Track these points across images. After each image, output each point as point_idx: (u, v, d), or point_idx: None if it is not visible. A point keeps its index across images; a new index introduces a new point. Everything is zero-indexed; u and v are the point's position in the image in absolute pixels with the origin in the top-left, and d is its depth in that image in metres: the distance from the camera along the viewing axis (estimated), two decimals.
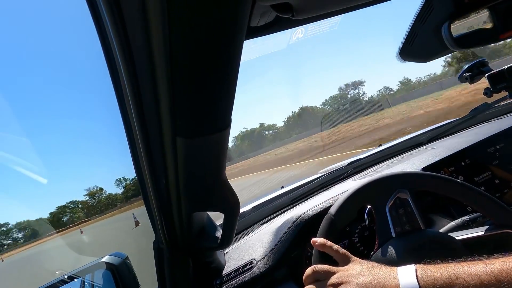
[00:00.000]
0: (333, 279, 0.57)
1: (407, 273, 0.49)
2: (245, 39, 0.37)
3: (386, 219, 0.71)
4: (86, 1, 0.37)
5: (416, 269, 0.48)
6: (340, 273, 0.57)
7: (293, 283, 0.88)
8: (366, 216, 0.85)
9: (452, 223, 0.78)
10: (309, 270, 0.62)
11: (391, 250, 0.66)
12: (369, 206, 0.81)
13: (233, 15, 0.31)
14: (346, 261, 0.61)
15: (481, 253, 0.50)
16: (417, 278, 0.47)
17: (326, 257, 0.67)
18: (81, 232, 30.87)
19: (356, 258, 0.61)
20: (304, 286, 0.61)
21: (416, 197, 0.73)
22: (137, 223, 14.79)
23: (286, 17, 0.43)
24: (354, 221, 0.99)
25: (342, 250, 0.63)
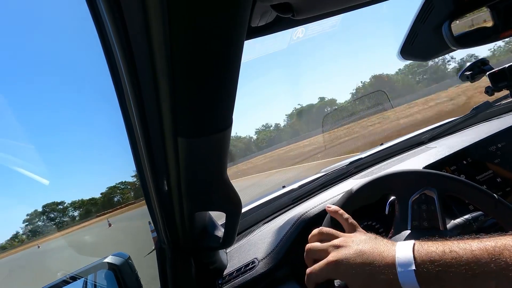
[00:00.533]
0: (335, 241, 0.59)
1: (405, 246, 0.50)
2: (246, 39, 0.38)
3: (406, 212, 0.71)
4: (86, 3, 0.37)
5: (414, 243, 0.50)
6: (343, 238, 0.60)
7: (295, 282, 0.88)
8: (387, 207, 0.85)
9: (454, 222, 0.78)
10: (315, 231, 0.66)
11: (401, 239, 0.66)
12: (392, 197, 0.81)
13: (234, 15, 0.31)
14: (352, 230, 0.63)
15: None
16: (413, 251, 0.48)
17: (335, 226, 0.68)
18: (109, 225, 28.47)
19: (362, 229, 0.63)
20: (309, 243, 0.64)
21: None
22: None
23: (287, 17, 0.43)
24: (365, 215, 0.99)
25: (351, 220, 0.65)
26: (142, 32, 0.32)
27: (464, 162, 1.07)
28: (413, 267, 0.46)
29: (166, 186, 0.59)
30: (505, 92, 1.34)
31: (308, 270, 0.60)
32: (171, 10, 0.28)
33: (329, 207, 0.70)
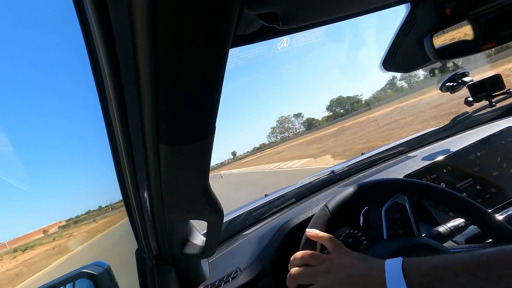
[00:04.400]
0: (322, 267, 0.57)
1: (393, 264, 0.50)
2: (231, 47, 0.37)
3: (380, 221, 0.71)
4: (74, 5, 0.36)
5: (403, 261, 0.49)
6: (330, 262, 0.58)
7: None
8: (361, 218, 0.85)
9: (436, 229, 0.79)
10: (298, 254, 0.63)
11: (379, 251, 0.67)
12: (365, 208, 0.82)
13: (220, 23, 0.31)
14: (338, 251, 0.61)
15: None
16: (402, 269, 0.48)
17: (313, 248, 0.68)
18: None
19: (348, 249, 0.62)
20: (292, 267, 0.62)
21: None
22: None
23: (272, 27, 0.43)
24: (340, 226, 1.00)
25: (334, 240, 0.63)
26: (127, 38, 0.31)
27: (444, 170, 1.09)
28: (404, 286, 0.46)
29: (147, 194, 0.58)
30: (484, 102, 1.39)
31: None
32: (156, 16, 0.28)
33: (308, 232, 0.68)
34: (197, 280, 0.94)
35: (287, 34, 0.52)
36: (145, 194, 0.58)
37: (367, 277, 0.51)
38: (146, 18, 0.28)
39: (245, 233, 1.19)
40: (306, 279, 0.58)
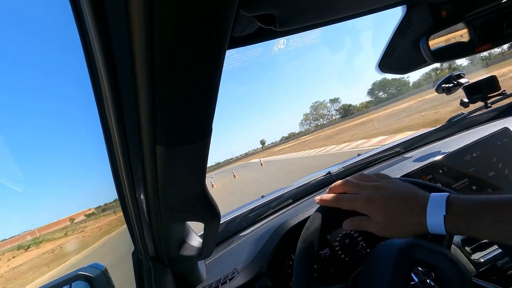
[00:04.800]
0: (376, 183, 0.60)
1: (439, 195, 0.52)
2: (228, 49, 0.37)
3: None
4: (70, 5, 0.36)
5: (448, 194, 0.51)
6: (379, 182, 0.61)
7: None
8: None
9: None
10: (341, 181, 0.65)
11: (381, 250, 0.66)
12: None
13: (217, 25, 0.31)
14: (386, 177, 0.64)
15: None
16: (446, 200, 0.50)
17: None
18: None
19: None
20: (329, 196, 0.64)
21: None
22: None
23: (269, 28, 0.43)
24: (335, 229, 1.01)
25: (384, 173, 0.68)
26: (124, 38, 0.31)
27: (440, 171, 1.10)
28: (444, 213, 0.48)
29: (143, 195, 0.58)
30: (480, 104, 1.40)
31: (338, 196, 0.62)
32: (153, 16, 0.28)
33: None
34: (194, 282, 0.94)
35: (284, 36, 0.52)
36: (142, 196, 0.58)
37: (411, 196, 0.54)
38: (143, 18, 0.28)
39: (242, 234, 1.19)
40: (356, 189, 0.61)
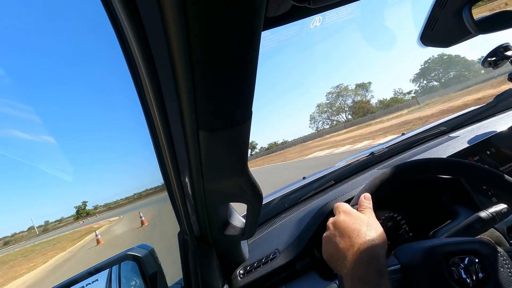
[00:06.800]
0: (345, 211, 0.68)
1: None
2: (263, 30, 0.38)
3: None
4: (102, 3, 0.38)
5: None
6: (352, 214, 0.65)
7: (315, 273, 0.89)
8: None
9: (478, 215, 0.76)
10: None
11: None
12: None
13: (250, 6, 0.31)
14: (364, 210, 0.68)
15: None
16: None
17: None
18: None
19: (374, 216, 0.67)
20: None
21: (442, 188, 0.71)
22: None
23: (303, 6, 0.43)
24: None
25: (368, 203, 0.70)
26: (159, 27, 0.32)
27: (488, 152, 1.04)
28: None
29: (188, 179, 0.60)
30: None
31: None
32: (187, 2, 0.28)
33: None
34: (236, 261, 0.97)
35: (319, 13, 0.51)
36: (186, 179, 0.61)
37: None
38: (177, 4, 0.28)
39: (283, 215, 1.20)
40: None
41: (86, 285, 1.02)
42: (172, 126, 0.48)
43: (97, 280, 1.04)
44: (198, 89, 0.38)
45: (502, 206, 0.74)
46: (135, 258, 0.99)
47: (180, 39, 0.32)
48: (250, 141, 0.55)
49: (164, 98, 0.43)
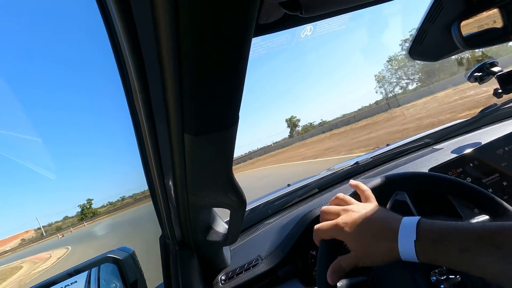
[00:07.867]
0: (347, 206, 0.61)
1: (410, 219, 0.51)
2: (254, 37, 0.37)
3: None
4: (96, 1, 0.37)
5: (420, 219, 0.51)
6: (355, 205, 0.62)
7: (297, 280, 0.89)
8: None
9: None
10: (325, 208, 0.67)
11: None
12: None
13: (242, 12, 0.31)
14: (366, 199, 0.65)
15: None
16: (417, 225, 0.49)
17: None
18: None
19: (376, 202, 0.64)
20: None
21: (423, 199, 0.72)
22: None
23: (295, 15, 0.43)
24: None
25: (368, 192, 0.67)
26: (150, 28, 0.32)
27: (471, 164, 1.06)
28: (414, 238, 0.48)
29: (172, 182, 0.60)
30: None
31: (316, 226, 0.63)
32: (178, 6, 0.28)
33: (352, 182, 0.71)
34: (218, 266, 0.96)
35: (310, 22, 0.51)
36: (170, 182, 0.60)
37: (383, 222, 0.54)
38: (168, 8, 0.28)
39: (267, 222, 1.20)
40: (331, 215, 0.62)
41: (65, 286, 1.00)
42: (158, 128, 0.47)
43: (75, 281, 1.02)
44: (185, 91, 0.38)
45: (484, 217, 0.75)
46: (115, 261, 0.98)
47: (170, 41, 0.31)
48: None
49: (151, 100, 0.42)
